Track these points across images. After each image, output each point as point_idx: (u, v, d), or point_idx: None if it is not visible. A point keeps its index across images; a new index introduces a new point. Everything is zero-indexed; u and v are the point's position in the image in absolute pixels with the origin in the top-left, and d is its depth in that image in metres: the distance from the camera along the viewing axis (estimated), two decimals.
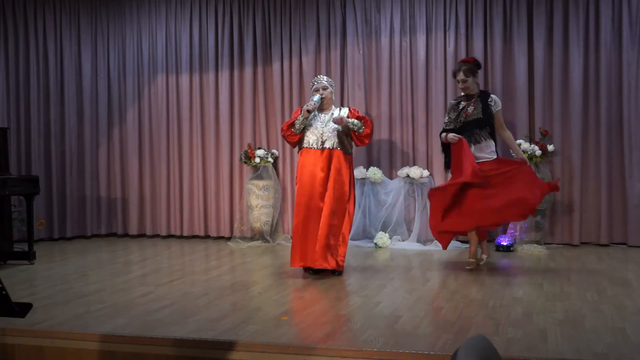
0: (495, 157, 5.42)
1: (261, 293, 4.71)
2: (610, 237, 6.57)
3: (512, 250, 6.33)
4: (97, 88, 7.90)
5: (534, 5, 6.69)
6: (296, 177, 5.38)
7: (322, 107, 5.36)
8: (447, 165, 5.62)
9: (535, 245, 6.34)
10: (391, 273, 5.40)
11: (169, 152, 7.75)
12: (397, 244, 6.73)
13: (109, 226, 7.95)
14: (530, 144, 6.48)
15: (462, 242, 6.58)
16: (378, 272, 5.41)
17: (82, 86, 7.83)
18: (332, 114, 5.35)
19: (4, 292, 2.46)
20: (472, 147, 5.35)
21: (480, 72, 6.19)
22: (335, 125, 5.26)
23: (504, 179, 5.26)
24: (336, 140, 5.25)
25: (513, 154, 5.78)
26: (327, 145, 5.25)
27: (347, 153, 5.30)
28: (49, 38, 7.66)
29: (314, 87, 5.40)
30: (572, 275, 5.12)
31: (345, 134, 5.30)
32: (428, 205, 6.83)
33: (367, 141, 5.36)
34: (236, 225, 7.37)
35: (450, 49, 6.88)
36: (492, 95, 5.54)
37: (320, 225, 5.11)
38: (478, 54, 6.68)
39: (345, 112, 5.37)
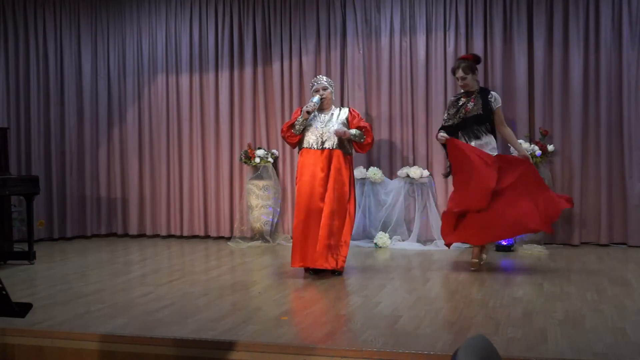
0: (496, 153, 5.42)
1: (261, 293, 4.71)
2: (610, 237, 6.56)
3: (512, 250, 6.33)
4: (97, 88, 7.90)
5: (534, 5, 6.68)
6: (296, 177, 5.37)
7: (322, 107, 5.36)
8: (447, 174, 5.60)
9: (535, 245, 6.33)
10: (391, 273, 5.39)
11: (169, 152, 7.74)
12: (397, 244, 6.73)
13: (109, 226, 7.95)
14: (530, 144, 6.48)
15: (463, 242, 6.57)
16: (378, 272, 5.40)
17: (82, 86, 7.83)
18: (332, 114, 5.35)
19: (4, 292, 2.46)
20: (473, 143, 5.35)
21: (481, 72, 6.19)
22: (336, 126, 5.26)
23: (515, 192, 5.14)
24: (336, 140, 5.24)
25: (514, 151, 5.78)
26: (327, 145, 5.24)
27: (347, 153, 5.30)
28: (49, 38, 7.66)
29: (314, 87, 5.39)
30: (572, 275, 5.11)
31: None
32: (428, 205, 6.86)
33: (367, 149, 5.43)
34: (236, 225, 7.37)
35: (450, 49, 6.88)
36: (492, 92, 5.54)
37: (321, 225, 5.10)
38: (478, 53, 6.66)
39: (345, 112, 5.38)
